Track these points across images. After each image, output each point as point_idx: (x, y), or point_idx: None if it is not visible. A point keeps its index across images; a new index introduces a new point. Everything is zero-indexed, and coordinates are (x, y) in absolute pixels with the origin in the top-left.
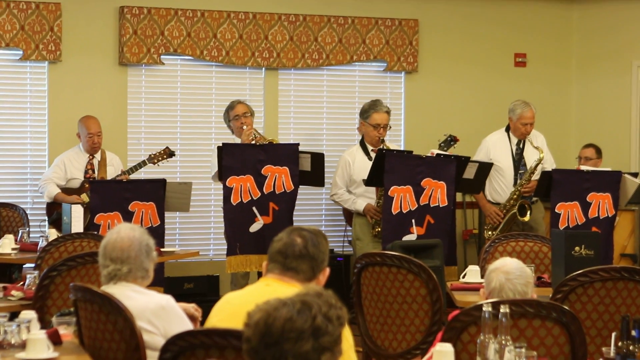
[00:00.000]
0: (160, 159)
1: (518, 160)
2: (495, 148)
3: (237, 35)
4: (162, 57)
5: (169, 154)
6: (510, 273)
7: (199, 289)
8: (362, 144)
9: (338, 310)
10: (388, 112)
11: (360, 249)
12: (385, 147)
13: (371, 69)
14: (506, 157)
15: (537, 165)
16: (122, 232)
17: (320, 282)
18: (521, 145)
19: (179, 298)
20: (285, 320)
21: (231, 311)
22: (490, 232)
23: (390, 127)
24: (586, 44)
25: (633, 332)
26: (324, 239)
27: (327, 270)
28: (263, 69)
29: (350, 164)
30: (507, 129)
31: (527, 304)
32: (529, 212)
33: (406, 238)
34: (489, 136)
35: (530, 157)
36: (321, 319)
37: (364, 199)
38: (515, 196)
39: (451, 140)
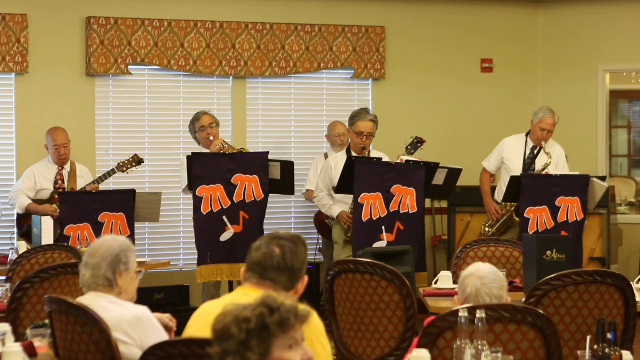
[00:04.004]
0: (128, 166)
1: (529, 164)
2: (510, 149)
3: (204, 44)
4: (129, 67)
5: (137, 161)
6: (485, 277)
7: (169, 299)
8: (348, 151)
9: (250, 312)
10: (373, 121)
11: (335, 252)
12: (364, 155)
13: (338, 76)
14: (517, 159)
15: (543, 169)
16: (105, 240)
17: (298, 291)
18: (535, 151)
19: (149, 308)
20: (214, 323)
21: (208, 320)
22: (487, 229)
23: (374, 136)
24: (552, 49)
25: (608, 335)
26: (302, 245)
27: (306, 279)
28: (230, 77)
29: (332, 168)
30: (527, 133)
31: (503, 308)
32: None
33: (376, 245)
34: (508, 137)
35: (541, 164)
36: (229, 320)
37: (342, 204)
38: None
39: (418, 142)
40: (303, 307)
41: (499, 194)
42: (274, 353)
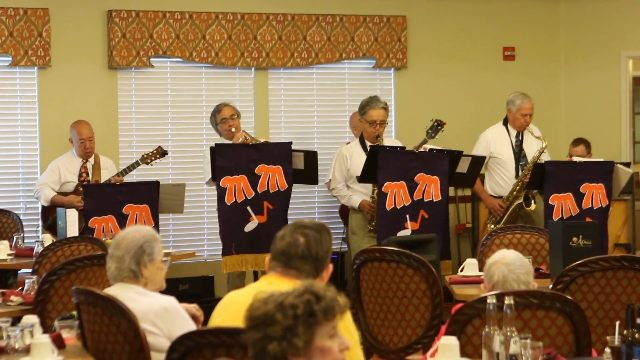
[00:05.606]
0: (153, 158)
1: (518, 152)
2: (495, 141)
3: (226, 36)
4: (151, 59)
5: (161, 153)
6: (511, 264)
7: (194, 290)
8: (362, 140)
9: (296, 299)
10: (385, 108)
11: (354, 242)
12: (379, 144)
13: (360, 67)
14: (507, 149)
15: (540, 154)
16: (129, 232)
17: (323, 280)
18: (520, 137)
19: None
20: (251, 309)
21: (234, 310)
22: (493, 226)
23: (387, 124)
24: (574, 36)
25: (638, 320)
26: (327, 234)
27: (331, 267)
28: (252, 69)
29: (347, 158)
30: (505, 122)
31: (531, 295)
32: (533, 201)
33: (401, 234)
34: (487, 130)
35: (529, 148)
36: (272, 307)
37: (361, 194)
38: (518, 187)
39: (438, 125)
40: (342, 297)
41: (493, 188)
42: (317, 341)
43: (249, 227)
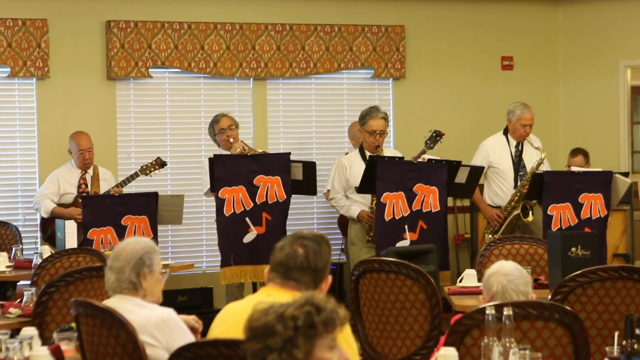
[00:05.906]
0: (152, 169)
1: (518, 162)
2: (495, 151)
3: (225, 46)
4: (150, 70)
5: (160, 164)
6: (510, 274)
7: (193, 302)
8: (361, 150)
9: (297, 310)
10: (385, 118)
11: (353, 253)
12: (378, 154)
13: (359, 77)
14: (506, 159)
15: (539, 165)
16: (128, 244)
17: (322, 292)
18: (520, 147)
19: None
20: (251, 320)
21: (234, 322)
22: (490, 236)
23: (387, 134)
24: (572, 45)
25: (637, 330)
26: (326, 245)
27: (330, 279)
28: (251, 79)
29: (347, 168)
30: (505, 132)
31: (530, 305)
32: (531, 212)
33: (399, 244)
34: (487, 140)
35: (529, 158)
36: (272, 318)
37: (360, 204)
38: (516, 198)
39: (437, 136)
40: (342, 309)
41: (491, 197)
42: (316, 353)
43: (248, 238)
